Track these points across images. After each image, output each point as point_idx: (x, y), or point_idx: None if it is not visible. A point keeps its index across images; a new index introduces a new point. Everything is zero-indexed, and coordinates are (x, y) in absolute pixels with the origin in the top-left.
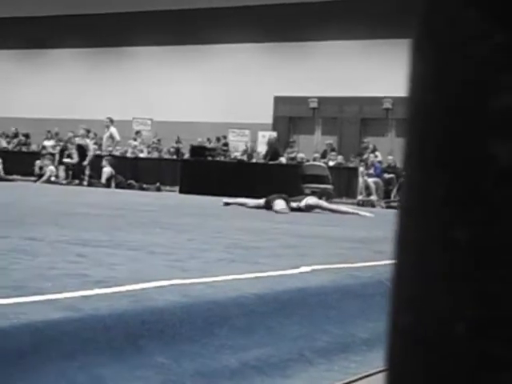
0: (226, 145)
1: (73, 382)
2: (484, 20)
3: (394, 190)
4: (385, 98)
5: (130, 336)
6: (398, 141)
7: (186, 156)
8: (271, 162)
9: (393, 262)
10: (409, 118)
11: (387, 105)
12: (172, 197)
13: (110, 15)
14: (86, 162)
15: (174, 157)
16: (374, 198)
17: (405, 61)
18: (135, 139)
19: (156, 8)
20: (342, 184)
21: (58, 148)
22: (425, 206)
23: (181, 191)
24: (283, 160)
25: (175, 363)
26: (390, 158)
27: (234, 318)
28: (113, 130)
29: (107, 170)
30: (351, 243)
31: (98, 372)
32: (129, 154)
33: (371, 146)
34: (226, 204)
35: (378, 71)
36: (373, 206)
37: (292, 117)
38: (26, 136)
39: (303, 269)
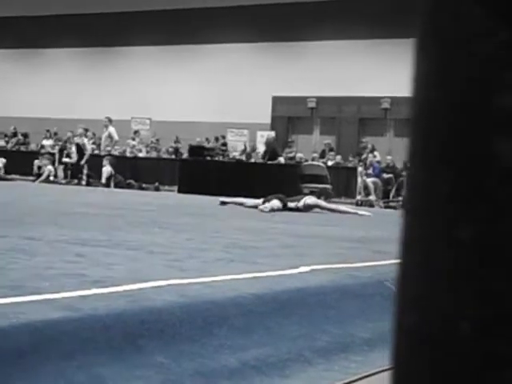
0: (224, 145)
1: (72, 381)
2: (489, 17)
3: (393, 190)
4: (383, 97)
5: (128, 336)
6: (397, 141)
7: (185, 156)
8: (270, 162)
9: (396, 261)
10: (413, 115)
11: (385, 105)
12: (171, 196)
13: (106, 15)
14: (83, 162)
15: (173, 156)
16: (372, 197)
17: (403, 60)
18: (134, 139)
19: (152, 8)
20: (341, 184)
21: (57, 147)
22: (429, 203)
23: (179, 191)
24: (282, 160)
25: (174, 363)
26: (389, 157)
27: (232, 318)
28: (111, 129)
29: (107, 170)
30: (350, 243)
31: (97, 372)
32: (127, 154)
33: (370, 146)
34: (223, 203)
35: (376, 71)
36: (371, 205)
37: (290, 117)
38: (25, 135)
39: (302, 269)
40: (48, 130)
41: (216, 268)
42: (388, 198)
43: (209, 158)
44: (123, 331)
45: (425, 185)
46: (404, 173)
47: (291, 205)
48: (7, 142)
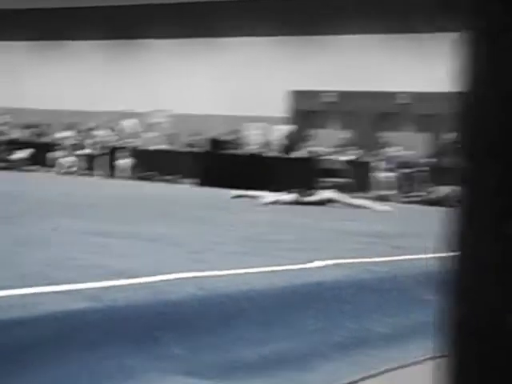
0: (242, 138)
1: (93, 371)
2: None
3: (411, 185)
4: (402, 92)
5: (147, 327)
6: (416, 136)
7: (205, 149)
8: (287, 156)
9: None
10: (461, 111)
11: (405, 100)
12: (189, 189)
13: (129, 7)
14: (102, 153)
15: (193, 149)
16: (390, 192)
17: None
18: (153, 131)
19: (174, 1)
20: (359, 178)
21: (77, 139)
22: (477, 197)
23: (198, 184)
24: (299, 154)
25: (192, 354)
26: (407, 152)
27: (250, 311)
28: (132, 121)
29: (126, 162)
30: (368, 237)
31: (118, 362)
32: (146, 146)
33: (388, 141)
34: (236, 197)
35: (395, 66)
36: (389, 200)
37: (309, 111)
38: (46, 127)
39: (319, 263)
40: (68, 122)
41: (233, 261)
42: (406, 192)
43: (228, 152)
44: (142, 323)
45: (473, 178)
46: (421, 168)
47: (309, 199)
48: (28, 134)
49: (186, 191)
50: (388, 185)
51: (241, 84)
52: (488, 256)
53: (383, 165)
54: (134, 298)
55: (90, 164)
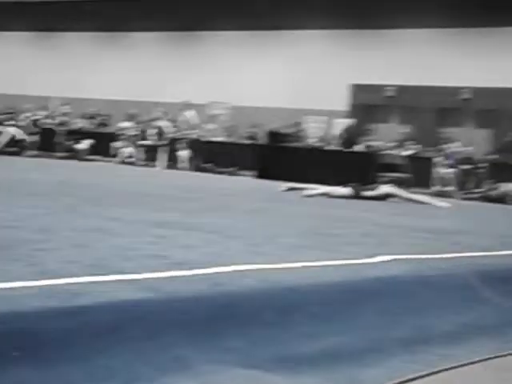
0: (301, 131)
1: (151, 361)
2: None
3: (471, 182)
4: (464, 88)
5: (206, 319)
6: (476, 132)
7: (262, 141)
8: (347, 150)
9: (475, 254)
10: None
11: (466, 95)
12: (248, 181)
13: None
14: (162, 143)
15: (250, 141)
16: (450, 188)
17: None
18: (212, 123)
19: None
20: (418, 174)
21: (137, 130)
22: None
23: (256, 176)
24: (359, 148)
25: (253, 347)
26: (468, 148)
27: (312, 306)
28: (190, 113)
29: (185, 153)
30: (427, 233)
31: (177, 353)
32: (205, 138)
33: (449, 137)
34: (288, 190)
35: (457, 60)
36: (449, 196)
37: (369, 105)
38: (106, 117)
39: (382, 258)
40: (129, 113)
41: (294, 254)
42: (466, 189)
43: (286, 144)
44: (203, 314)
45: None
46: (483, 164)
47: (368, 193)
48: (89, 124)
49: (246, 183)
50: (447, 181)
51: (302, 77)
52: None
53: (443, 160)
54: (194, 289)
55: (149, 155)
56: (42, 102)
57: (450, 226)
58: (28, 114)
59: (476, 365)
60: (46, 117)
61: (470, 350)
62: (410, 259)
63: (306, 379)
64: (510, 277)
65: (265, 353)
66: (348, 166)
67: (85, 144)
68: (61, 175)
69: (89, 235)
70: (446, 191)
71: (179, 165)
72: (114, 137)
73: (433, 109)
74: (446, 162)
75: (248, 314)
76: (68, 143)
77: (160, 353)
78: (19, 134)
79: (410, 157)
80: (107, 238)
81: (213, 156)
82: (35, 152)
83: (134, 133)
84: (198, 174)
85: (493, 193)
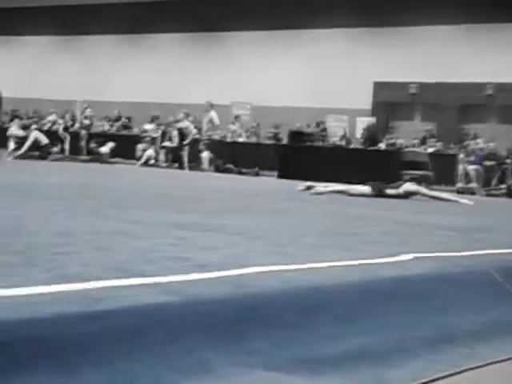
0: (324, 130)
1: (174, 365)
2: None
3: (495, 178)
4: (486, 83)
5: (229, 321)
6: (500, 127)
7: (285, 141)
8: (370, 148)
9: (499, 251)
10: None
11: (489, 91)
12: (270, 181)
13: (211, 1)
14: (185, 142)
15: (273, 141)
16: (473, 185)
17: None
18: (234, 123)
19: None
20: (442, 171)
21: (159, 131)
22: None
23: (279, 176)
24: (382, 146)
25: (276, 349)
26: (491, 144)
27: (335, 306)
28: (213, 114)
29: (206, 154)
30: (451, 231)
31: (201, 356)
32: (228, 139)
33: (472, 133)
34: (307, 188)
35: (480, 56)
36: (473, 193)
37: (391, 102)
38: (128, 119)
39: (404, 256)
40: (152, 116)
41: (317, 254)
42: (490, 186)
43: (308, 144)
44: (226, 317)
45: None
46: (507, 160)
47: (391, 191)
48: (111, 126)
49: (268, 183)
50: (471, 177)
51: (323, 76)
52: None
53: (466, 157)
54: (217, 291)
55: (171, 156)
56: (66, 106)
57: (473, 223)
58: (51, 118)
59: (502, 363)
60: (71, 120)
61: (496, 348)
62: (433, 257)
63: (328, 381)
64: None
65: (287, 354)
66: (371, 165)
67: (107, 147)
68: (83, 178)
69: (110, 238)
70: (470, 188)
71: (201, 166)
72: (136, 139)
73: (455, 105)
74: (470, 158)
75: (270, 316)
76: (91, 146)
77: (182, 356)
78: (43, 138)
79: (433, 154)
80: (128, 240)
81: (235, 156)
82: (59, 156)
83: (156, 135)
84: (220, 175)
85: None
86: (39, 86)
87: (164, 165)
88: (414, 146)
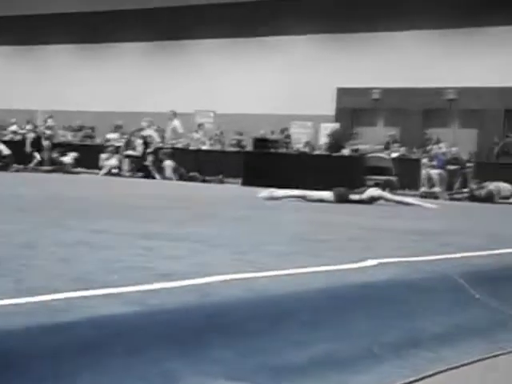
0: (288, 137)
1: (139, 376)
2: None
3: (458, 182)
4: (448, 88)
5: (195, 331)
6: (462, 132)
7: (249, 148)
8: (334, 154)
9: (464, 254)
10: None
11: (450, 95)
12: (235, 189)
13: (172, 9)
14: (149, 150)
15: (237, 149)
16: (437, 189)
17: (468, 50)
18: (198, 132)
19: (218, 1)
20: (405, 176)
21: (122, 141)
22: None
23: (243, 183)
24: (346, 152)
25: (241, 358)
26: (454, 149)
27: (299, 313)
28: (176, 122)
29: (168, 163)
30: (416, 236)
31: (165, 367)
32: (191, 147)
33: (434, 138)
34: (268, 198)
35: (441, 61)
36: (436, 197)
37: (354, 108)
38: (91, 129)
39: (369, 262)
40: (115, 125)
41: (282, 261)
42: (453, 190)
43: (272, 151)
44: (190, 326)
45: None
46: (469, 164)
47: (355, 197)
48: (74, 136)
49: (232, 191)
50: (434, 182)
51: (287, 82)
52: None
53: (429, 161)
54: (180, 300)
55: (134, 165)
56: (27, 116)
57: (438, 227)
58: (13, 128)
59: (468, 367)
60: (32, 131)
61: (460, 351)
62: (398, 262)
63: None
64: (499, 276)
65: (252, 363)
66: (335, 171)
67: (70, 157)
68: (46, 189)
69: (74, 249)
70: (433, 192)
71: (164, 174)
72: (100, 149)
73: (418, 110)
74: (433, 162)
75: (235, 324)
76: (54, 156)
77: (147, 367)
78: (4, 149)
79: (396, 159)
80: (92, 251)
81: (199, 164)
82: (21, 166)
83: (120, 144)
84: (185, 183)
85: (479, 192)
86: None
87: (128, 174)
88: (377, 151)
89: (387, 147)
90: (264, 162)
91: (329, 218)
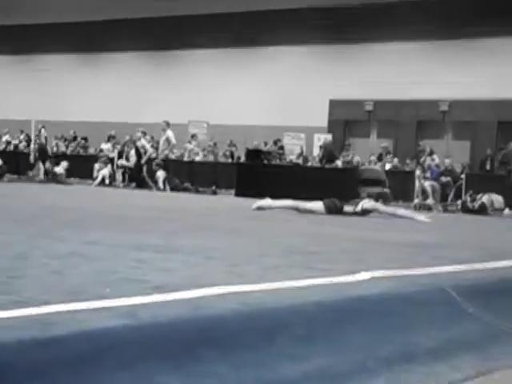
0: (281, 148)
1: None
2: None
3: (451, 194)
4: (441, 100)
5: (188, 344)
6: (455, 144)
7: (242, 159)
8: (327, 166)
9: (457, 267)
10: None
11: (444, 107)
12: (228, 200)
13: (165, 19)
14: (143, 161)
15: (230, 160)
16: (430, 201)
17: (462, 62)
18: (191, 142)
19: (213, 11)
20: (399, 187)
21: (116, 151)
22: None
23: (236, 194)
24: (339, 163)
25: (234, 372)
26: (447, 161)
27: (293, 327)
28: (169, 133)
29: (161, 174)
30: (409, 248)
31: (157, 381)
32: (185, 158)
33: (428, 149)
34: (260, 208)
35: (434, 73)
36: (429, 209)
37: (347, 120)
38: (84, 139)
39: (363, 275)
40: (109, 135)
41: (276, 274)
42: (446, 201)
43: (265, 162)
44: (183, 340)
45: None
46: (462, 176)
47: (349, 209)
48: (67, 147)
49: (225, 202)
50: (428, 193)
51: (280, 93)
52: None
53: (423, 173)
54: (173, 313)
55: (128, 176)
56: (20, 126)
57: (431, 240)
58: (7, 138)
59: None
60: (25, 141)
61: (453, 366)
62: (391, 275)
63: None
64: (492, 290)
65: (245, 377)
66: (328, 182)
67: (61, 166)
68: (39, 200)
69: (66, 261)
70: (427, 204)
71: (157, 185)
72: (93, 159)
73: (411, 122)
74: (426, 174)
75: (229, 338)
76: (46, 166)
77: (140, 381)
78: None
79: (389, 171)
80: (85, 263)
81: (192, 175)
82: (14, 176)
83: (113, 154)
84: (177, 194)
85: (472, 204)
86: None
87: (121, 185)
88: (370, 163)
89: (380, 159)
90: (257, 173)
91: (322, 230)
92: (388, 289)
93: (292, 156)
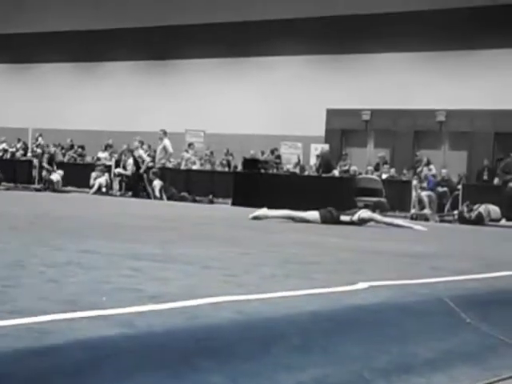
0: (278, 157)
1: None
2: None
3: (448, 204)
4: (438, 110)
5: (184, 354)
6: (452, 154)
7: (239, 168)
8: (324, 175)
9: (454, 278)
10: None
11: (441, 117)
12: (225, 209)
13: (163, 28)
14: (141, 170)
15: (227, 169)
16: (427, 211)
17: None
18: (188, 151)
19: (209, 21)
20: (395, 197)
21: (113, 160)
22: None
23: (233, 204)
24: (336, 173)
25: (230, 382)
26: (444, 171)
27: (290, 337)
28: (166, 142)
29: (157, 183)
30: (406, 258)
31: None
32: (182, 167)
33: (425, 159)
34: (257, 218)
35: (431, 83)
36: (426, 219)
37: (344, 129)
38: (82, 148)
39: (360, 285)
40: (106, 144)
41: (273, 284)
42: (443, 211)
43: (262, 171)
44: (179, 349)
45: None
46: (459, 186)
47: (345, 218)
48: (64, 155)
49: (222, 211)
50: (425, 203)
51: (278, 103)
52: None
53: (420, 183)
54: (169, 323)
55: (124, 184)
56: (17, 134)
57: (429, 250)
58: (3, 146)
59: None
60: (22, 149)
61: (451, 376)
62: (389, 285)
63: None
64: (490, 300)
65: None
66: (325, 192)
67: (57, 174)
68: (35, 208)
69: (62, 270)
70: (423, 214)
71: (153, 194)
72: (90, 167)
73: (408, 132)
74: (423, 184)
75: (225, 347)
76: (43, 174)
77: None
78: None
79: (386, 180)
80: (82, 271)
81: (189, 184)
82: (11, 185)
83: (110, 163)
84: (174, 203)
85: (469, 215)
86: None
87: (118, 193)
88: (367, 172)
89: (377, 168)
90: (254, 182)
91: (319, 240)
92: (385, 299)
93: (289, 165)
